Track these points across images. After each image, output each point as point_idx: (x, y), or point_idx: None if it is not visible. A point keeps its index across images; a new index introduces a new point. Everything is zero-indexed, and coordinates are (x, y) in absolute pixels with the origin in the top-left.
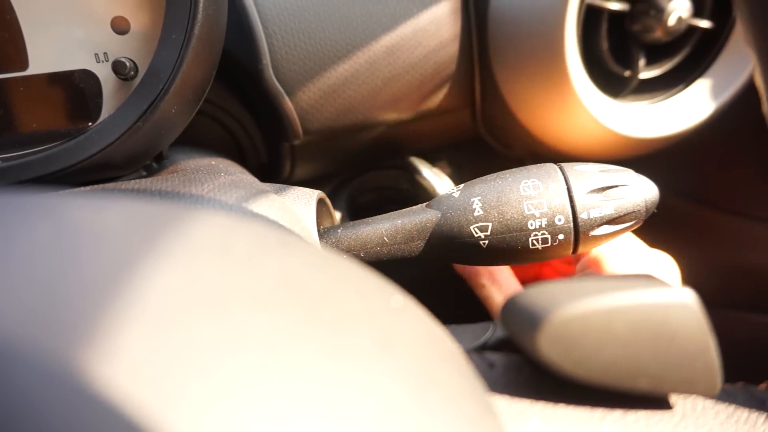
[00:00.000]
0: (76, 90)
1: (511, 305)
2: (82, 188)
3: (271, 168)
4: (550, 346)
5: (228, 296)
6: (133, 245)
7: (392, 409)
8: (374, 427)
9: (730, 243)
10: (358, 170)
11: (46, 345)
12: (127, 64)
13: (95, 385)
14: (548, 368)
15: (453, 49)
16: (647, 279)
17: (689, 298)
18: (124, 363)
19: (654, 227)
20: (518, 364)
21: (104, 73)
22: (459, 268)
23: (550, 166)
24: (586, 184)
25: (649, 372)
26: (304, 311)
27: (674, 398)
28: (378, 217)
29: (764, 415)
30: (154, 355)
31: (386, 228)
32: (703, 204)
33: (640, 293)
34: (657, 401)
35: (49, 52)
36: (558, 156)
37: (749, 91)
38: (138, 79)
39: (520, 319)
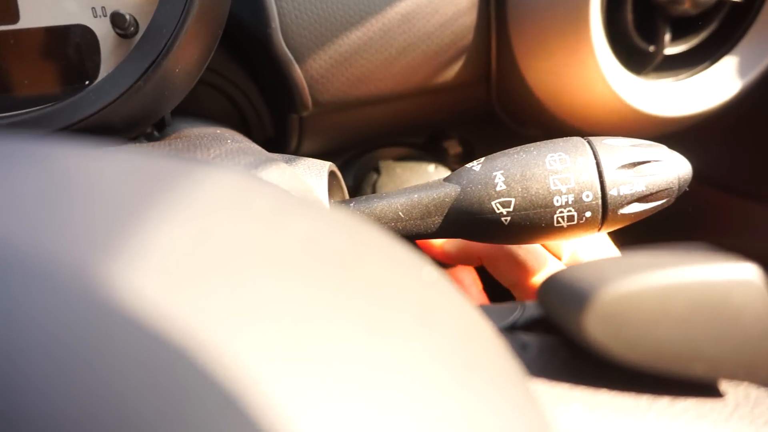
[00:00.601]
0: (71, 46)
1: (552, 282)
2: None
3: (277, 142)
4: (597, 326)
5: (247, 256)
6: (133, 198)
7: (439, 393)
8: (421, 413)
9: (743, 227)
10: (367, 147)
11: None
12: (127, 17)
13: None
14: (592, 350)
15: (470, 18)
16: (705, 252)
17: (753, 274)
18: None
19: (665, 211)
20: (554, 345)
21: (102, 29)
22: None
23: (578, 140)
24: (617, 159)
25: (706, 356)
26: (335, 277)
27: (725, 386)
28: (393, 191)
29: None
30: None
31: (402, 202)
32: (717, 187)
33: (699, 269)
34: (706, 388)
35: (42, 4)
36: (577, 134)
37: None
38: (138, 37)
39: (563, 297)
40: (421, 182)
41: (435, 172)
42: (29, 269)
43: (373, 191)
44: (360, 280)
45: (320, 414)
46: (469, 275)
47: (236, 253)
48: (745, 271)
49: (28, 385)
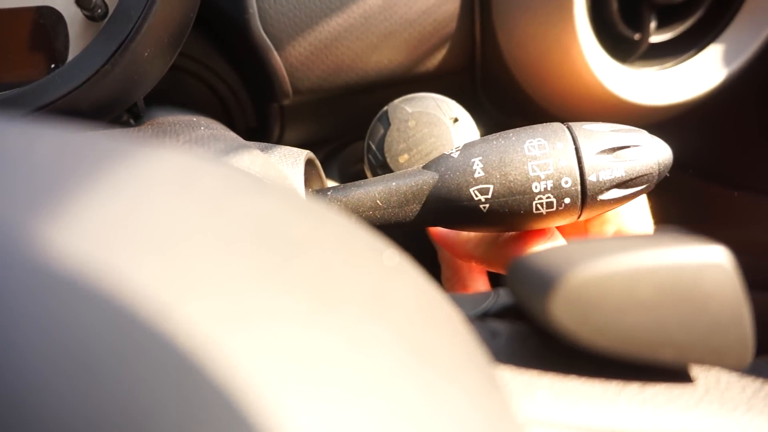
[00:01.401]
0: (38, 29)
1: (519, 265)
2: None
3: (260, 132)
4: (564, 311)
5: (180, 231)
6: (62, 174)
7: (387, 371)
8: (361, 399)
9: (734, 218)
10: (350, 137)
11: None
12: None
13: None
14: (560, 337)
15: (454, 5)
16: (675, 235)
17: (723, 257)
18: None
19: (655, 201)
20: (524, 333)
21: (69, 11)
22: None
23: (557, 125)
24: (596, 145)
25: (675, 341)
26: (280, 256)
27: (695, 371)
28: (371, 179)
29: None
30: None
31: (379, 190)
32: (707, 177)
33: (668, 251)
34: (676, 374)
35: None
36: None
37: (763, 56)
38: (106, 21)
39: (530, 281)
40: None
41: (455, 128)
42: None
43: (381, 147)
44: (309, 258)
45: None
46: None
47: (175, 223)
48: (715, 253)
49: None
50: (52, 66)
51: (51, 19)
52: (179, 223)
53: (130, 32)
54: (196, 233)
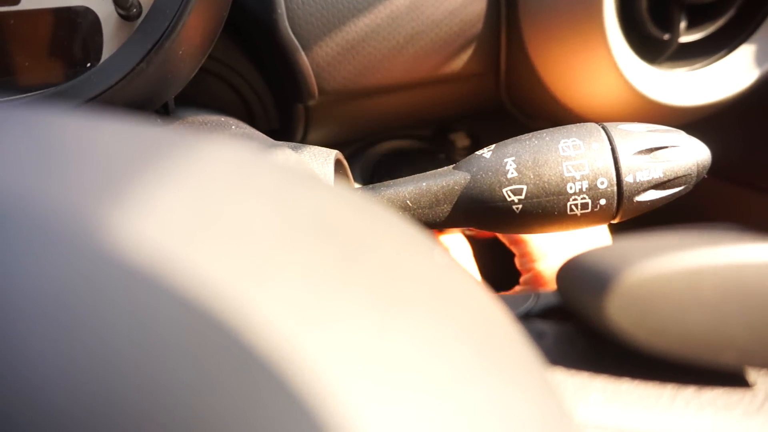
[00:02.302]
0: (73, 28)
1: (572, 266)
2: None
3: (282, 133)
4: (621, 312)
5: (250, 226)
6: (126, 164)
7: (461, 371)
8: (442, 390)
9: (754, 220)
10: (374, 139)
11: None
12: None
13: None
14: (614, 338)
15: (480, 6)
16: (733, 233)
17: None
18: None
19: (674, 203)
20: (572, 334)
21: (104, 11)
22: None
23: (592, 126)
24: (633, 145)
25: (738, 343)
26: (346, 249)
27: (753, 376)
28: (401, 179)
29: None
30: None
31: (410, 191)
32: (737, 182)
33: (732, 250)
34: (734, 378)
35: None
36: None
37: None
38: (141, 19)
39: (583, 280)
40: None
41: None
42: (27, 222)
43: None
44: (373, 252)
45: (334, 379)
46: (464, 251)
47: (248, 217)
48: None
49: (26, 346)
50: (88, 65)
51: (86, 18)
52: (251, 217)
53: (165, 31)
54: (267, 228)
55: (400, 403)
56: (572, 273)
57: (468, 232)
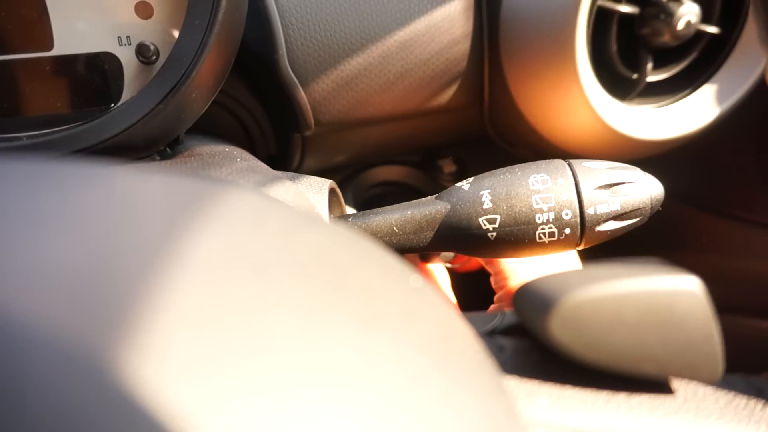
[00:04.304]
0: (98, 72)
1: (524, 291)
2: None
3: (280, 159)
4: (561, 329)
5: (266, 262)
6: (175, 213)
7: (419, 375)
8: (403, 389)
9: (727, 248)
10: (365, 164)
11: (76, 326)
12: (151, 47)
13: (126, 378)
14: (558, 351)
15: (465, 46)
16: (656, 265)
17: (695, 285)
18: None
19: (652, 231)
20: (527, 348)
21: (126, 57)
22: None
23: (559, 162)
24: (594, 180)
25: (654, 356)
26: (336, 280)
27: (676, 384)
28: (388, 207)
29: (762, 402)
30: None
31: (396, 218)
32: (703, 209)
33: (648, 280)
34: (660, 386)
35: (73, 34)
36: (564, 156)
37: (753, 97)
38: (159, 64)
39: (533, 303)
40: None
41: None
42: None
43: None
44: (356, 283)
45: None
46: (442, 277)
47: (254, 262)
48: (689, 282)
49: None
50: (112, 105)
51: (110, 63)
52: (263, 254)
53: (182, 77)
54: (276, 264)
55: (366, 393)
56: (524, 297)
57: (448, 265)
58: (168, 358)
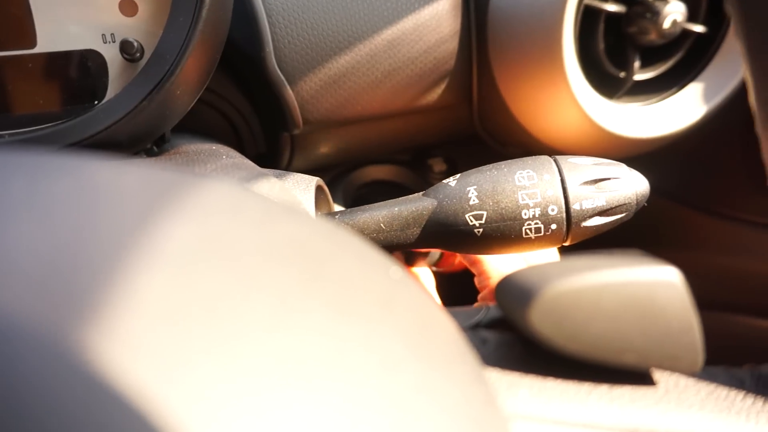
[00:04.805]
0: (82, 69)
1: (505, 283)
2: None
3: (269, 158)
4: (541, 320)
5: (240, 250)
6: (148, 203)
7: (394, 362)
8: (377, 376)
9: (715, 246)
10: (355, 163)
11: (48, 316)
12: (135, 44)
13: (99, 366)
14: (539, 343)
15: (453, 45)
16: (637, 257)
17: (675, 276)
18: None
19: (640, 228)
20: (510, 340)
21: (110, 54)
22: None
23: (545, 158)
24: (580, 176)
25: (635, 347)
26: (312, 270)
27: (658, 375)
28: (375, 204)
29: (743, 393)
30: (169, 303)
31: (383, 215)
32: (690, 206)
33: (628, 271)
34: (642, 377)
35: (57, 31)
36: (553, 154)
37: (739, 95)
38: (143, 61)
39: (513, 295)
40: None
41: None
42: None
43: None
44: (333, 272)
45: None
46: (428, 279)
47: (227, 251)
48: (668, 273)
49: None
50: (96, 102)
51: (94, 60)
52: (237, 243)
53: (166, 74)
54: (250, 253)
55: (343, 383)
56: (505, 289)
57: (434, 268)
58: (137, 344)
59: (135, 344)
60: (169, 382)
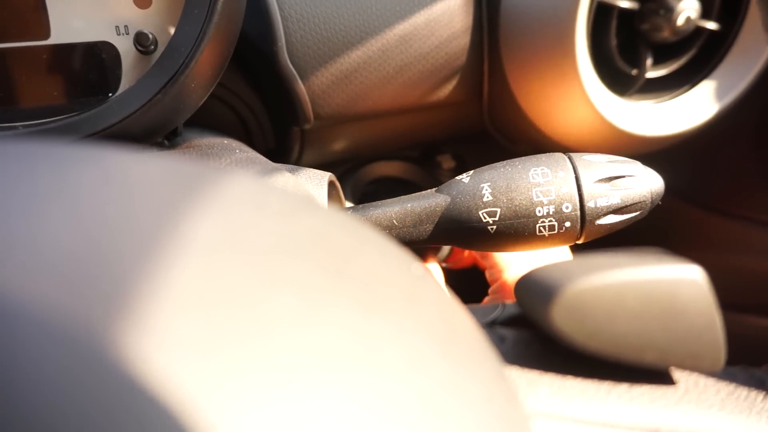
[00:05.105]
0: (96, 61)
1: (526, 280)
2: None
3: (279, 153)
4: (563, 318)
5: (267, 244)
6: (174, 195)
7: (421, 359)
8: (406, 373)
9: (726, 245)
10: (363, 159)
11: (74, 309)
12: (149, 36)
13: (127, 361)
14: (560, 340)
15: (464, 40)
16: (659, 255)
17: (698, 274)
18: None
19: (649, 227)
20: (528, 338)
21: (124, 46)
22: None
23: (559, 155)
24: (594, 174)
25: (656, 345)
26: (337, 265)
27: (678, 375)
28: (388, 200)
29: (763, 393)
30: (198, 300)
31: (396, 211)
32: (700, 205)
33: (651, 269)
34: (661, 376)
35: (70, 23)
36: (563, 151)
37: (751, 94)
38: (157, 54)
39: (535, 293)
40: None
41: None
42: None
43: None
44: (358, 267)
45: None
46: (437, 275)
47: (253, 244)
48: (691, 271)
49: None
50: (109, 95)
51: (108, 52)
52: (264, 237)
53: (181, 66)
54: (277, 246)
55: (367, 376)
56: (526, 286)
57: (444, 264)
58: (167, 337)
59: (166, 339)
60: (202, 376)
